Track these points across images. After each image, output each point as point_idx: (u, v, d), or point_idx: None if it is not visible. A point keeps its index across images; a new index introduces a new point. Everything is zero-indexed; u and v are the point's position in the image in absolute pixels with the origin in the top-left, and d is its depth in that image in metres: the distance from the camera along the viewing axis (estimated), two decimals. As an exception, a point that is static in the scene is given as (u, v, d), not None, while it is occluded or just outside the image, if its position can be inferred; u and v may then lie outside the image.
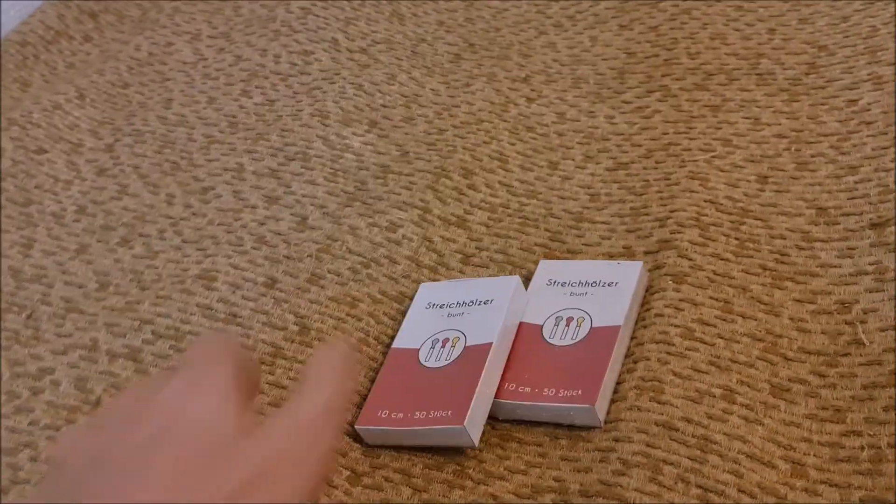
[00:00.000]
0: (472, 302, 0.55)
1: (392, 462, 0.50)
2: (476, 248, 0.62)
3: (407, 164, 0.67)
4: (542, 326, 0.54)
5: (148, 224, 0.67)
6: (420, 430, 0.49)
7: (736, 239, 0.57)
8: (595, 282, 0.56)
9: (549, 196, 0.64)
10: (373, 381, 0.54)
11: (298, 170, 0.68)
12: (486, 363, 0.51)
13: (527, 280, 0.58)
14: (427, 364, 0.53)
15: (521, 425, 0.51)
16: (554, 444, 0.50)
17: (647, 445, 0.47)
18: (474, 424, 0.49)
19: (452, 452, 0.50)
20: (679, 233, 0.58)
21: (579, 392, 0.50)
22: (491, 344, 0.52)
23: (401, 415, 0.50)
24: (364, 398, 0.53)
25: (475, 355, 0.52)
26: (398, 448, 0.51)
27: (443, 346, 0.53)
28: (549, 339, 0.54)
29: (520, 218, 0.63)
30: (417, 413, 0.50)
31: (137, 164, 0.73)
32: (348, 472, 0.50)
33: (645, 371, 0.51)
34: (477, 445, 0.49)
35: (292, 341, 0.56)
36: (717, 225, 0.58)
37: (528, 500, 0.47)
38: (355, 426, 0.51)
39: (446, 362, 0.52)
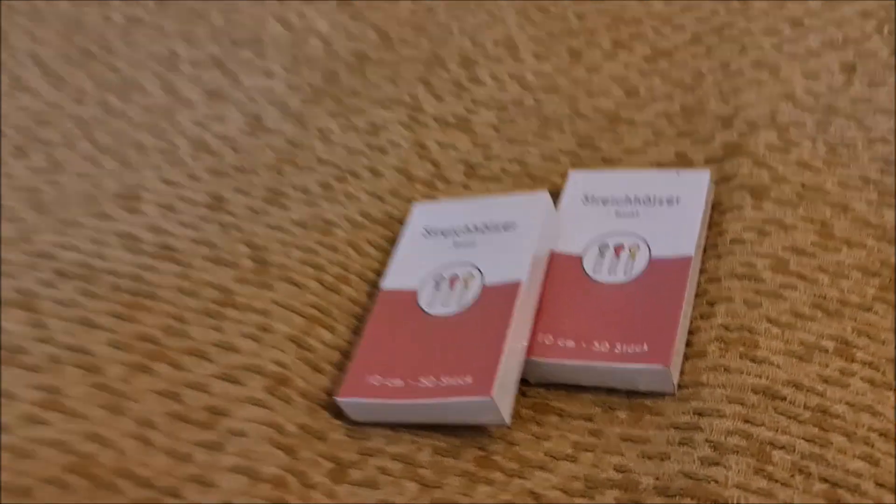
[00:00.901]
0: (486, 226, 0.42)
1: (389, 446, 0.37)
2: (483, 156, 0.47)
3: (389, 51, 0.52)
4: (582, 258, 0.41)
5: (49, 128, 0.51)
6: (428, 405, 0.36)
7: (825, 143, 0.44)
8: (648, 198, 0.42)
9: (572, 91, 0.50)
10: (357, 332, 0.40)
11: (249, 58, 0.53)
12: (515, 309, 0.37)
13: (554, 197, 0.45)
14: (431, 311, 0.39)
15: (561, 390, 0.38)
16: (609, 417, 0.37)
17: (746, 421, 0.35)
18: (504, 393, 0.36)
19: (472, 431, 0.37)
20: (751, 134, 0.45)
21: (644, 347, 0.36)
22: (519, 283, 0.38)
23: (399, 382, 0.37)
24: (345, 358, 0.39)
25: (498, 299, 0.38)
26: (396, 427, 0.37)
27: (451, 287, 0.39)
28: (592, 275, 0.40)
29: (538, 118, 0.49)
30: (423, 379, 0.36)
31: (35, 51, 0.56)
32: (330, 464, 0.36)
33: (728, 317, 0.38)
34: (508, 422, 0.36)
35: (246, 282, 0.42)
36: (798, 125, 0.45)
37: (583, 501, 0.34)
38: (336, 398, 0.37)
39: (458, 308, 0.38)
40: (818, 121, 0.45)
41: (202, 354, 0.39)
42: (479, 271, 0.40)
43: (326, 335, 0.40)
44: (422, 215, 0.44)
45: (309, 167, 0.46)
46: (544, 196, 0.42)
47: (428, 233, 0.42)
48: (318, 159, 0.46)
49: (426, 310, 0.39)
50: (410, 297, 0.40)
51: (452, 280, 0.40)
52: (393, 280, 0.41)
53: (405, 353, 0.38)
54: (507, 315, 0.37)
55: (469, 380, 0.35)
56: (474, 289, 0.39)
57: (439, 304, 0.39)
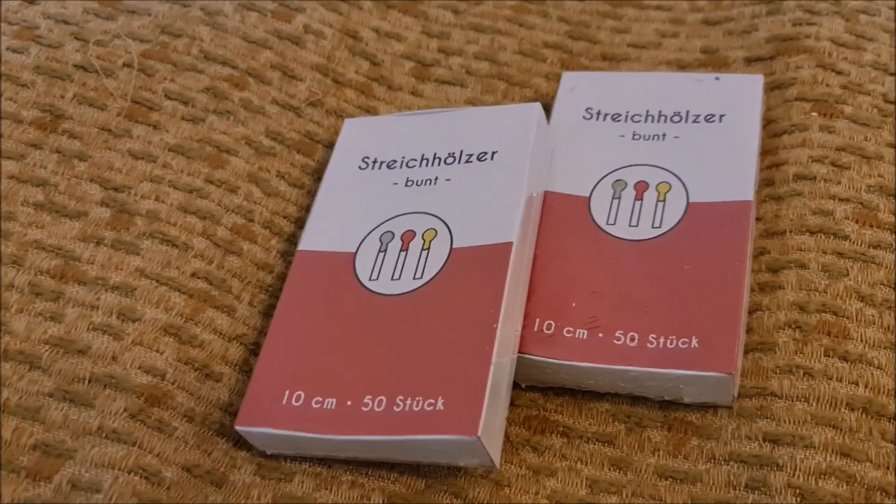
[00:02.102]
0: (452, 156, 0.29)
1: (318, 492, 0.25)
2: (440, 49, 0.34)
3: None
4: (588, 200, 0.29)
5: None
6: (377, 442, 0.24)
7: (906, 36, 0.32)
8: (678, 113, 0.30)
9: (557, -40, 0.37)
10: (268, 315, 0.28)
11: None
12: (506, 286, 0.25)
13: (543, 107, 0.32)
14: (375, 287, 0.26)
15: (565, 396, 0.27)
16: (638, 440, 0.25)
17: (844, 455, 0.24)
18: (493, 424, 0.24)
19: (443, 468, 0.25)
20: (809, 24, 0.33)
21: (694, 343, 0.25)
22: (510, 245, 0.26)
23: (332, 402, 0.24)
24: (252, 355, 0.27)
25: (476, 269, 0.26)
26: (330, 462, 0.25)
27: (404, 249, 0.27)
28: (605, 227, 0.28)
29: (512, -2, 0.36)
30: (368, 398, 0.24)
31: None
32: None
33: (802, 291, 0.27)
34: (497, 464, 0.24)
35: (97, 242, 0.28)
36: (870, 12, 0.33)
37: (612, 578, 0.23)
38: (236, 426, 0.25)
39: (416, 283, 0.26)
40: (895, 6, 0.33)
41: (28, 360, 0.25)
42: (447, 226, 0.27)
43: (222, 320, 0.27)
44: (356, 138, 0.30)
45: (190, 67, 0.31)
46: (536, 108, 0.29)
47: (366, 164, 0.29)
48: (202, 53, 0.32)
49: (367, 285, 0.26)
50: (343, 264, 0.27)
51: (407, 238, 0.27)
52: (315, 238, 0.28)
53: (338, 353, 0.25)
54: (495, 295, 0.25)
55: (440, 404, 0.23)
56: (440, 253, 0.26)
57: (386, 277, 0.27)
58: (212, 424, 0.26)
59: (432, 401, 0.23)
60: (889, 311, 0.26)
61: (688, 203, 0.28)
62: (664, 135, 0.30)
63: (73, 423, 0.25)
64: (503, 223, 0.26)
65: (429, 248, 0.27)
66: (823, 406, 0.25)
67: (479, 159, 0.28)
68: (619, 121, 0.31)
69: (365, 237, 0.27)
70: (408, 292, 0.26)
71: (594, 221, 0.28)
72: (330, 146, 0.31)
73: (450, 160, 0.29)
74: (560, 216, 0.28)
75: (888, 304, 0.26)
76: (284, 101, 0.32)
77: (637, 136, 0.30)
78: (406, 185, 0.28)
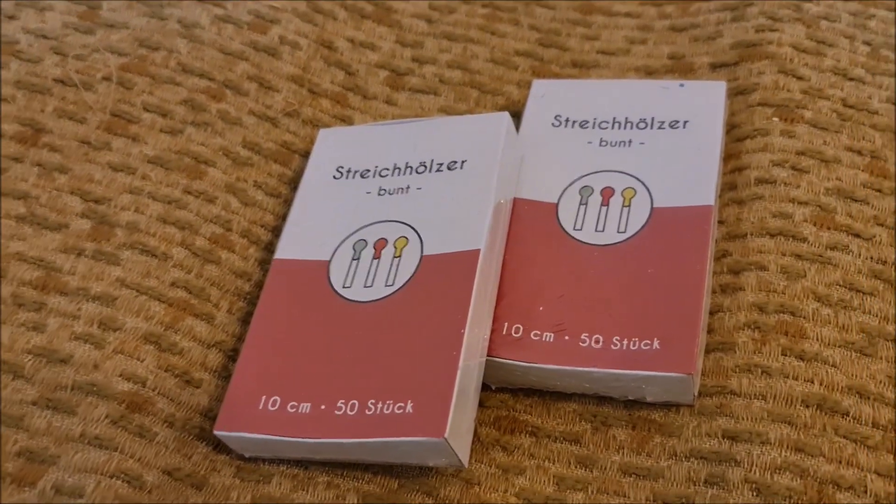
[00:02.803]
0: (423, 165, 0.30)
1: (296, 493, 0.26)
2: (413, 58, 0.35)
3: None
4: (556, 206, 0.30)
5: None
6: (349, 445, 0.25)
7: (866, 44, 0.33)
8: (643, 120, 0.31)
9: (529, -32, 0.38)
10: (246, 322, 0.28)
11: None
12: (473, 293, 0.26)
13: (512, 117, 0.33)
14: (348, 294, 0.27)
15: (534, 397, 0.28)
16: (604, 439, 0.26)
17: (798, 450, 0.25)
18: (461, 425, 0.25)
19: (415, 467, 0.26)
20: (772, 30, 0.34)
21: (656, 344, 0.26)
22: (476, 253, 0.27)
23: (307, 407, 0.25)
24: (231, 361, 0.28)
25: (445, 276, 0.27)
26: (306, 464, 0.26)
27: (377, 257, 0.28)
28: (572, 233, 0.29)
29: (484, 7, 0.36)
30: (341, 402, 0.25)
31: None
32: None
33: (762, 292, 0.28)
34: (465, 464, 0.25)
35: (78, 253, 0.29)
36: (830, 18, 0.34)
37: (577, 571, 0.24)
38: (215, 431, 0.26)
39: (388, 290, 0.27)
40: (855, 13, 0.34)
41: (11, 369, 0.26)
42: (417, 233, 0.28)
43: (201, 328, 0.28)
44: (331, 147, 0.31)
45: (169, 80, 0.32)
46: (503, 119, 0.30)
47: (341, 173, 0.30)
48: (180, 66, 0.32)
49: (341, 292, 0.27)
50: (318, 272, 0.28)
51: (378, 246, 0.28)
52: (291, 246, 0.29)
53: (313, 359, 0.26)
54: (462, 301, 0.26)
55: (409, 407, 0.24)
56: (410, 260, 0.27)
57: (359, 284, 0.27)
58: (192, 429, 0.27)
59: (402, 404, 0.24)
60: (844, 310, 0.27)
61: (652, 208, 0.29)
62: (630, 141, 0.31)
63: (56, 430, 0.25)
64: (471, 231, 0.27)
65: (400, 256, 0.28)
66: (780, 403, 0.26)
67: (448, 168, 0.29)
68: (586, 128, 0.32)
69: (339, 245, 0.28)
70: (380, 299, 0.27)
71: (562, 227, 0.29)
72: (306, 156, 0.32)
73: (421, 169, 0.30)
74: (529, 222, 0.29)
75: (843, 303, 0.27)
76: (261, 111, 0.33)
77: (604, 143, 0.31)
78: (379, 194, 0.29)
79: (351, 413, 0.25)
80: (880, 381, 0.26)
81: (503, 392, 0.28)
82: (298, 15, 0.34)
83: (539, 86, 0.33)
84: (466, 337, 0.25)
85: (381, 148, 0.31)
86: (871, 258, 0.28)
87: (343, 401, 0.25)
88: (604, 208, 0.29)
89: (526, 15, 0.36)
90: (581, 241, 0.29)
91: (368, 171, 0.30)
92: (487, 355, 0.27)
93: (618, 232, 0.29)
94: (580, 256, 0.28)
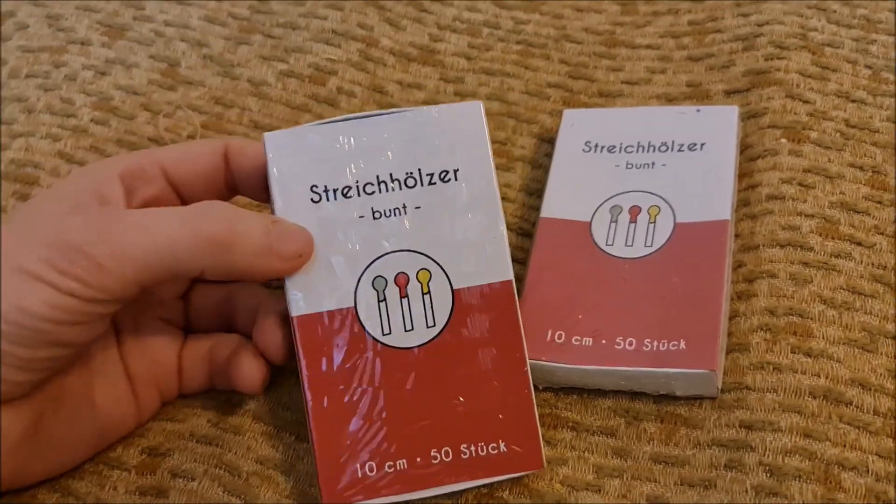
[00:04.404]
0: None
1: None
2: (455, 92, 0.39)
3: (329, -38, 0.43)
4: (589, 224, 0.33)
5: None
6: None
7: (867, 67, 0.37)
8: (665, 143, 0.35)
9: (558, 7, 0.41)
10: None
11: (154, -22, 0.42)
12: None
13: (544, 141, 0.37)
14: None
15: (573, 395, 0.31)
16: (636, 431, 0.30)
17: (806, 436, 0.28)
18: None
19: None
20: (780, 58, 0.37)
21: (682, 345, 0.30)
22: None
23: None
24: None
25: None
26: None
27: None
28: (605, 248, 0.33)
29: (518, 44, 0.40)
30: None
31: None
32: None
33: (773, 298, 0.31)
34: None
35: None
36: (834, 45, 0.37)
37: (614, 544, 0.28)
38: None
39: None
40: (857, 39, 0.38)
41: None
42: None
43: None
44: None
45: (243, 134, 0.36)
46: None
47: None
48: (252, 122, 0.37)
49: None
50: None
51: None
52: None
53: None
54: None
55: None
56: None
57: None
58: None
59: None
60: (848, 311, 0.31)
61: (675, 224, 0.33)
62: (653, 163, 0.34)
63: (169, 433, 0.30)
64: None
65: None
66: (790, 396, 0.29)
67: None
68: (614, 152, 0.35)
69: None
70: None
71: (595, 243, 0.33)
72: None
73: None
74: (565, 240, 0.33)
75: (847, 305, 0.31)
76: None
77: (630, 166, 0.35)
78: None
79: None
80: (881, 374, 0.29)
81: (547, 391, 0.31)
82: (353, 64, 0.38)
83: (569, 115, 0.37)
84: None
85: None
86: (873, 264, 0.32)
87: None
88: (632, 225, 0.33)
89: (556, 50, 0.40)
90: (613, 256, 0.32)
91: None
92: (533, 359, 0.30)
93: (645, 246, 0.32)
94: (612, 269, 0.32)
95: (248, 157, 0.28)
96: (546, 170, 0.35)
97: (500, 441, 0.28)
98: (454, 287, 0.28)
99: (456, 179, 0.28)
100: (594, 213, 0.34)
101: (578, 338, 0.31)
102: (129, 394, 0.29)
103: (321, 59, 0.38)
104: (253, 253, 0.26)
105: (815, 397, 0.29)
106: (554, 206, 0.34)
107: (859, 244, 0.32)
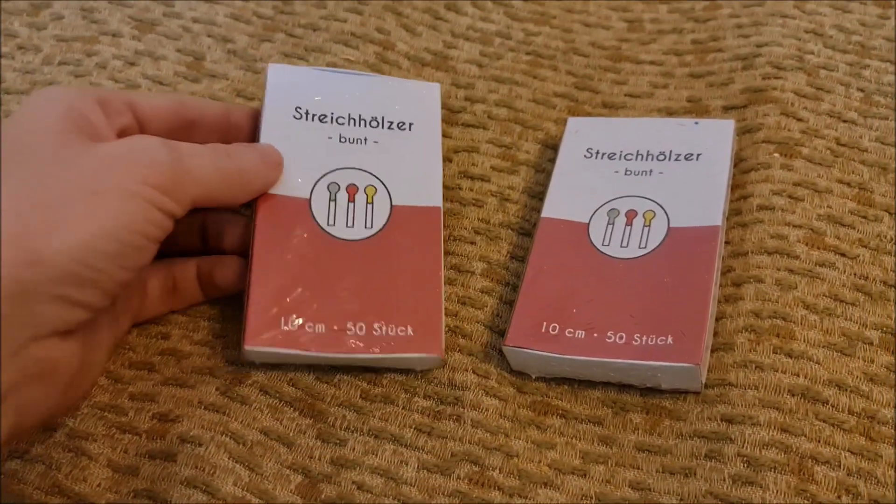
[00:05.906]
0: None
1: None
2: (466, 97, 0.41)
3: (351, -31, 0.45)
4: (587, 225, 0.35)
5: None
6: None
7: (860, 90, 0.38)
8: (663, 153, 0.36)
9: (567, 22, 0.43)
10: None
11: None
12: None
13: (548, 147, 0.38)
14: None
15: (564, 385, 0.33)
16: (622, 421, 0.32)
17: (783, 430, 0.30)
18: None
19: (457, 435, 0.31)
20: (777, 78, 0.39)
21: (669, 340, 0.31)
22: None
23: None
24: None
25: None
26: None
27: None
28: (601, 248, 0.34)
29: (528, 54, 0.42)
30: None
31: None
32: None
33: (758, 301, 0.33)
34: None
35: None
36: (829, 68, 0.39)
37: (596, 525, 0.29)
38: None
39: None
40: (851, 63, 0.39)
41: (145, 366, 0.32)
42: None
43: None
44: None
45: (262, 114, 0.38)
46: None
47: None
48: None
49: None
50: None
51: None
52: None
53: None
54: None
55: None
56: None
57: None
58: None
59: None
60: (829, 317, 0.32)
61: (669, 228, 0.34)
62: (651, 171, 0.36)
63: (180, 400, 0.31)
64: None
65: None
66: (770, 392, 0.31)
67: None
68: (614, 159, 0.37)
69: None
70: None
71: (592, 243, 0.35)
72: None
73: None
74: (564, 239, 0.35)
75: (828, 311, 0.32)
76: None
77: (629, 172, 0.36)
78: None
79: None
80: (857, 377, 0.31)
81: (539, 381, 0.33)
82: (369, 66, 0.40)
83: (573, 123, 0.39)
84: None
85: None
86: (855, 274, 0.33)
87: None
88: (628, 227, 0.35)
89: (564, 62, 0.42)
90: (608, 255, 0.34)
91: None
92: (528, 348, 0.32)
93: (639, 247, 0.34)
94: (607, 268, 0.34)
95: (207, 105, 0.33)
96: (549, 174, 0.37)
97: (409, 326, 0.31)
98: (394, 203, 0.34)
99: (410, 130, 0.35)
100: (592, 215, 0.35)
101: (571, 330, 0.32)
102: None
103: (339, 59, 0.40)
104: (259, 176, 0.32)
105: (793, 395, 0.30)
106: (554, 206, 0.36)
107: (843, 255, 0.34)
